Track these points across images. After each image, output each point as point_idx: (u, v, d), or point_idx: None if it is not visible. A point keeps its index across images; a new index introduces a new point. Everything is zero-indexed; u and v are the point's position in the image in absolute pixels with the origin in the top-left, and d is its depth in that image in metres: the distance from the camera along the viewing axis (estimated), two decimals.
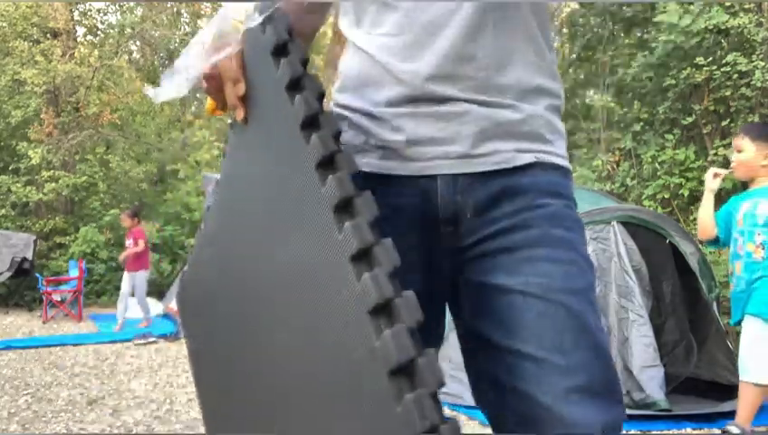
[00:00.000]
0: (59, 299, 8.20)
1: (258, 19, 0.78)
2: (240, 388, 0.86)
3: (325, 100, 0.77)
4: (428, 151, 0.91)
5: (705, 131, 6.81)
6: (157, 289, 9.94)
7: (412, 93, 0.91)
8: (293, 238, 0.72)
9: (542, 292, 0.86)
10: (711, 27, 6.19)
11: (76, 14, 11.88)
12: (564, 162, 0.98)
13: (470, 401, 3.52)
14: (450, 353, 4.08)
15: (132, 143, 12.62)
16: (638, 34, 8.29)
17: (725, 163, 6.33)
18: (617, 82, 8.49)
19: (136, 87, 13.52)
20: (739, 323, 2.99)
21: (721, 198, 6.36)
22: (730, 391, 3.96)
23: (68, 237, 10.24)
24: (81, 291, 8.29)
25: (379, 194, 0.71)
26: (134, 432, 3.35)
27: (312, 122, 0.71)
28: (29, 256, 9.03)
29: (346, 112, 0.97)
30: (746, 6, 6.45)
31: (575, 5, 9.99)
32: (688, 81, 6.58)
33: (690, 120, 6.73)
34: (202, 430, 3.50)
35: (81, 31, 12.35)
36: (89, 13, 12.18)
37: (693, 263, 4.18)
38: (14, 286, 9.38)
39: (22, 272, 8.94)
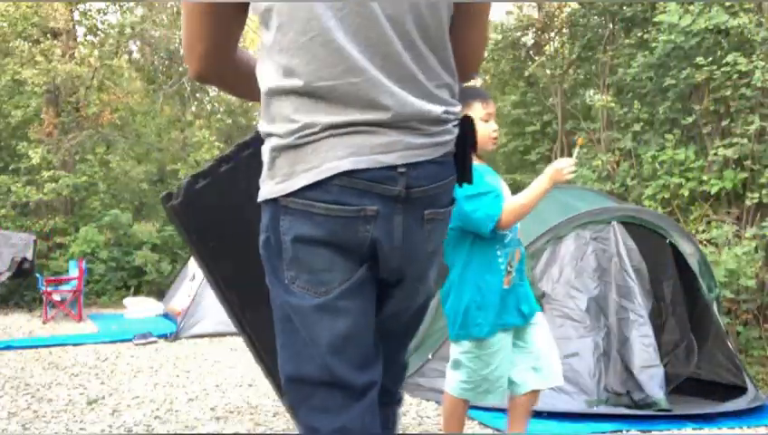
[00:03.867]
0: (59, 299, 8.20)
1: None
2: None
3: None
4: None
5: (705, 131, 6.80)
6: (157, 289, 9.94)
7: None
8: None
9: None
10: (711, 27, 6.19)
11: (76, 14, 11.86)
12: None
13: (470, 401, 3.47)
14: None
15: (132, 143, 12.61)
16: (638, 34, 8.27)
17: (725, 163, 6.33)
18: (617, 82, 8.48)
19: (136, 87, 13.51)
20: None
21: (720, 198, 6.38)
22: (730, 391, 3.96)
23: (68, 237, 10.23)
24: (81, 291, 8.28)
25: None
26: (134, 432, 3.35)
27: None
28: (29, 256, 9.01)
29: None
30: (746, 6, 6.45)
31: (575, 5, 9.98)
32: (688, 81, 6.57)
33: (690, 120, 6.73)
34: (202, 429, 3.47)
35: (81, 31, 12.33)
36: (89, 13, 12.15)
37: (693, 263, 4.18)
38: (14, 286, 9.38)
39: (22, 272, 8.93)
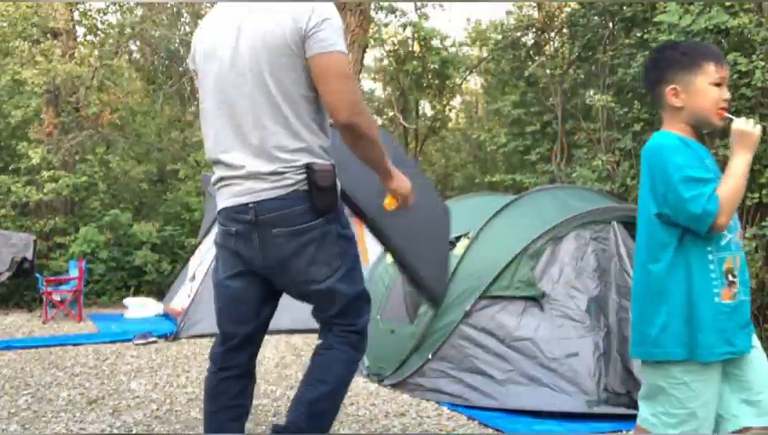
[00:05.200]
0: (59, 299, 8.20)
1: None
2: None
3: None
4: None
5: (704, 131, 6.80)
6: (157, 289, 9.93)
7: None
8: None
9: None
10: (711, 27, 6.18)
11: (76, 14, 11.86)
12: None
13: (470, 401, 3.50)
14: (450, 354, 4.07)
15: (132, 143, 12.60)
16: (638, 34, 8.27)
17: (725, 163, 6.33)
18: (617, 82, 8.48)
19: (136, 87, 13.49)
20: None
21: None
22: None
23: (68, 237, 10.23)
24: (81, 291, 8.28)
25: None
26: (134, 432, 3.35)
27: None
28: (29, 256, 9.01)
29: None
30: (746, 6, 6.44)
31: (575, 5, 9.98)
32: None
33: None
34: (202, 429, 3.48)
35: (81, 31, 12.33)
36: (89, 13, 12.15)
37: None
38: (14, 286, 9.38)
39: (22, 272, 8.92)
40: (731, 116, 1.96)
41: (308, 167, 1.97)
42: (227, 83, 2.01)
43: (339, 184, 2.06)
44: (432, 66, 12.59)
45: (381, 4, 12.47)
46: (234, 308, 2.19)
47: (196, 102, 14.27)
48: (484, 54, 13.59)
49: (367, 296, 2.23)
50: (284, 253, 2.02)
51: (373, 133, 1.98)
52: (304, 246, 2.00)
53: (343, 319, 2.15)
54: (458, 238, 4.32)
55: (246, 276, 2.12)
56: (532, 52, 11.04)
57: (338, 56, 1.94)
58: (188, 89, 13.17)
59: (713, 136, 6.70)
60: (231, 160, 2.03)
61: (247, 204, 2.00)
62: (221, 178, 2.08)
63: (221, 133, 2.05)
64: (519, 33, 10.80)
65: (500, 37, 11.15)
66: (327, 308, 2.15)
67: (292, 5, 1.94)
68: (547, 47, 11.03)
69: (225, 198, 2.07)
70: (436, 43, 12.89)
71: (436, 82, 13.12)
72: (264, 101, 1.96)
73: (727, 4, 6.37)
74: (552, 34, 11.01)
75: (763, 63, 5.87)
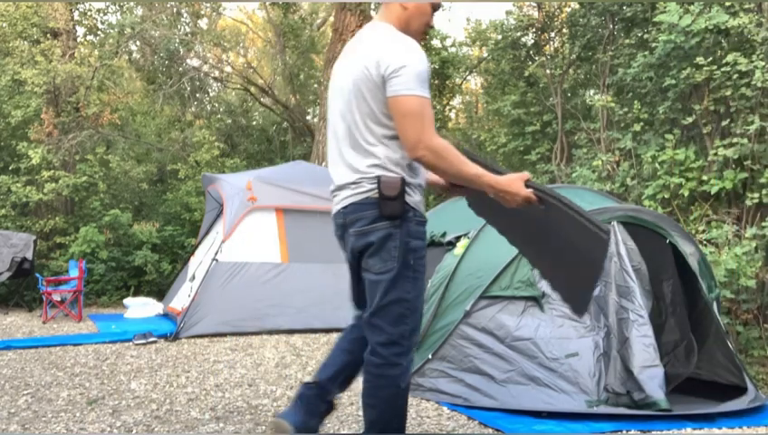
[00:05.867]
0: (59, 299, 8.19)
1: None
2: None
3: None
4: None
5: (705, 131, 6.80)
6: (157, 289, 9.93)
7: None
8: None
9: None
10: (711, 27, 6.19)
11: (76, 14, 11.86)
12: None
13: (470, 401, 3.48)
14: (450, 354, 4.07)
15: (132, 143, 12.60)
16: (638, 34, 8.27)
17: (725, 163, 6.32)
18: (617, 82, 8.48)
19: (136, 87, 13.50)
20: None
21: (720, 198, 6.38)
22: (730, 391, 3.96)
23: (68, 237, 10.22)
24: (81, 291, 8.28)
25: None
26: (134, 432, 3.35)
27: None
28: (29, 256, 9.01)
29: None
30: (746, 6, 6.45)
31: (575, 5, 9.98)
32: (688, 81, 6.57)
33: (690, 120, 6.73)
34: (202, 429, 3.48)
35: (81, 31, 12.33)
36: (89, 13, 12.15)
37: (693, 263, 4.18)
38: (14, 286, 9.38)
39: (22, 272, 8.93)
40: None
41: (379, 178, 2.38)
42: (333, 112, 2.54)
43: (408, 194, 2.41)
44: (432, 66, 12.59)
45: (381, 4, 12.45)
46: (352, 287, 2.67)
47: (196, 102, 14.29)
48: (485, 54, 13.59)
49: (410, 308, 2.43)
50: (357, 248, 2.46)
51: (443, 162, 2.32)
52: (370, 242, 2.41)
53: (377, 319, 2.44)
54: (458, 238, 4.32)
55: (352, 266, 2.62)
56: (532, 52, 11.05)
57: (405, 99, 2.31)
58: (188, 89, 13.18)
59: (712, 137, 6.70)
60: (334, 175, 2.54)
61: (340, 210, 2.50)
62: (331, 191, 2.57)
63: (330, 153, 2.58)
64: (519, 33, 10.81)
65: (500, 37, 11.16)
66: (370, 302, 2.47)
67: (382, 51, 2.35)
68: (547, 47, 11.03)
69: (333, 207, 2.57)
70: (436, 43, 12.89)
71: (436, 82, 13.12)
72: (350, 127, 2.44)
73: (727, 4, 6.37)
74: (552, 34, 11.02)
75: (763, 63, 5.87)
